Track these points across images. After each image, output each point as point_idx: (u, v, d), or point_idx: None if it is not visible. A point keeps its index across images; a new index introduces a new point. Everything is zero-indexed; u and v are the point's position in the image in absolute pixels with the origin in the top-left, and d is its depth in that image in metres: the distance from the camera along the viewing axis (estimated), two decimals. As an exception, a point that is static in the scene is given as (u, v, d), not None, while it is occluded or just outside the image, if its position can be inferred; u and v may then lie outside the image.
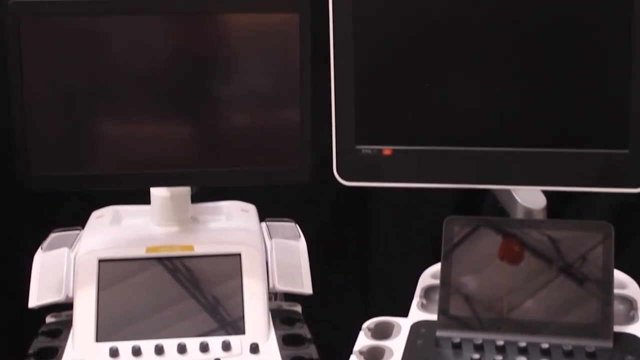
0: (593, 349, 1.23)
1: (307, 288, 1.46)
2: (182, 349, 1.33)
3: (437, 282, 1.35)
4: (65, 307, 1.43)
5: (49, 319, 1.44)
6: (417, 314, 1.38)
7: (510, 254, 1.32)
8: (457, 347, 1.28)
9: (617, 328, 1.28)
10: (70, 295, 1.40)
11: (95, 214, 1.58)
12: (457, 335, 1.29)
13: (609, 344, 1.25)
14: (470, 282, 1.32)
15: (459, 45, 1.33)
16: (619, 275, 1.37)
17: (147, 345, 1.33)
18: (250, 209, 1.61)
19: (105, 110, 1.40)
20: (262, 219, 1.59)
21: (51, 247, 1.49)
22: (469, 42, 1.33)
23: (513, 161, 1.34)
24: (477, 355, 1.24)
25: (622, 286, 1.38)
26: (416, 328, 1.34)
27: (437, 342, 1.30)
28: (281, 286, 1.44)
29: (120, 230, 1.50)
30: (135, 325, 1.36)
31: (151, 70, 1.40)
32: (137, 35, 1.39)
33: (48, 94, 1.38)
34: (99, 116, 1.40)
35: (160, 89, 1.40)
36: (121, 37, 1.39)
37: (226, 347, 1.33)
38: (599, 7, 1.28)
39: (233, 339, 1.35)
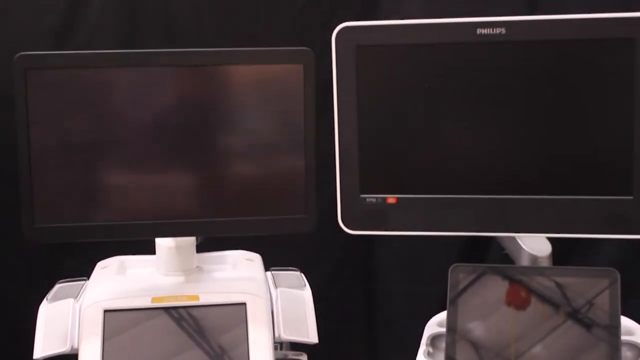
0: (602, 395, 1.23)
1: (312, 337, 1.45)
2: (187, 400, 1.32)
3: (444, 330, 1.35)
4: (70, 358, 1.42)
5: (54, 370, 1.43)
6: (423, 362, 1.37)
7: (517, 300, 1.31)
8: (464, 395, 1.28)
9: (625, 375, 1.28)
10: (75, 346, 1.40)
11: (100, 265, 1.58)
12: (464, 383, 1.29)
13: (617, 391, 1.25)
14: (476, 329, 1.32)
15: (462, 95, 1.35)
16: (625, 321, 1.37)
17: (153, 396, 1.33)
18: (256, 258, 1.61)
19: (111, 161, 1.41)
20: (267, 268, 1.59)
21: (56, 298, 1.48)
22: (471, 93, 1.34)
23: (518, 208, 1.34)
24: (485, 403, 1.24)
25: (629, 333, 1.38)
26: (423, 376, 1.33)
27: (444, 390, 1.29)
28: (287, 335, 1.44)
29: (126, 280, 1.50)
30: (141, 376, 1.36)
31: (156, 121, 1.41)
32: (142, 87, 1.40)
33: (54, 145, 1.39)
34: (104, 167, 1.41)
35: (166, 139, 1.41)
36: (126, 89, 1.40)
37: (232, 397, 1.33)
38: (602, 59, 1.30)
39: (239, 389, 1.34)
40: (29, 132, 1.37)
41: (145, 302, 1.41)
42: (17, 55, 1.36)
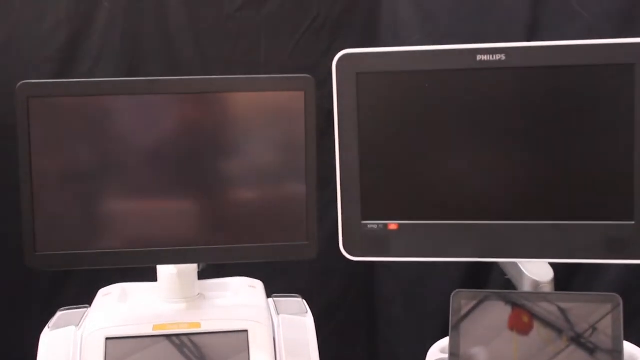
0: (605, 421, 1.23)
1: (314, 364, 1.45)
2: None
3: (446, 356, 1.34)
4: (72, 386, 1.42)
5: (55, 399, 1.42)
6: (426, 388, 1.37)
7: (520, 324, 1.31)
8: (467, 421, 1.27)
9: (629, 400, 1.27)
10: (77, 374, 1.40)
11: (102, 292, 1.58)
12: (467, 410, 1.28)
13: (620, 417, 1.24)
14: (479, 354, 1.31)
15: (462, 121, 1.35)
16: (628, 347, 1.37)
17: None
18: (257, 285, 1.61)
19: (113, 188, 1.41)
20: (269, 294, 1.59)
21: (58, 326, 1.48)
22: (472, 119, 1.35)
23: (519, 234, 1.34)
24: None
25: (632, 358, 1.37)
26: (426, 403, 1.33)
27: (447, 417, 1.29)
28: (289, 362, 1.44)
29: (127, 307, 1.50)
30: (143, 403, 1.35)
31: (158, 148, 1.42)
32: (143, 114, 1.41)
33: (55, 173, 1.39)
34: (106, 194, 1.41)
35: (167, 166, 1.41)
36: (128, 117, 1.41)
37: None
38: (602, 85, 1.30)
39: (241, 416, 1.34)
40: (31, 160, 1.37)
41: (147, 330, 1.41)
42: (20, 83, 1.36)
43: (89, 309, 1.52)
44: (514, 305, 1.32)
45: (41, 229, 1.39)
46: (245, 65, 2.00)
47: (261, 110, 1.42)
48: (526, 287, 1.42)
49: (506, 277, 1.52)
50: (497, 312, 1.33)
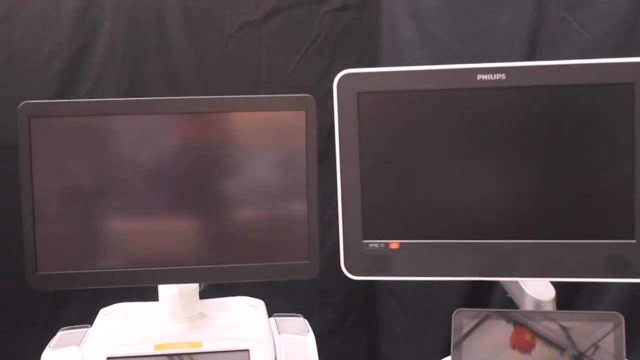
0: None
1: (316, 383, 1.45)
2: None
3: (448, 375, 1.34)
4: (73, 406, 1.41)
5: (57, 419, 1.42)
6: (428, 408, 1.36)
7: (522, 343, 1.31)
8: None
9: (631, 419, 1.27)
10: (78, 394, 1.39)
11: (103, 311, 1.57)
12: None
13: None
14: (481, 374, 1.31)
15: (463, 141, 1.35)
16: (630, 366, 1.37)
17: None
18: (259, 304, 1.60)
19: (114, 208, 1.41)
20: (270, 314, 1.58)
21: (59, 345, 1.48)
22: (472, 138, 1.35)
23: (520, 253, 1.34)
24: None
25: (635, 377, 1.37)
26: (428, 422, 1.33)
27: None
28: (290, 381, 1.43)
29: (129, 327, 1.49)
30: (144, 423, 1.35)
31: (159, 168, 1.42)
32: (145, 134, 1.41)
33: (57, 193, 1.39)
34: (107, 214, 1.41)
35: (168, 186, 1.42)
36: (129, 136, 1.41)
37: None
38: (602, 104, 1.30)
39: None
40: (33, 179, 1.37)
41: (148, 349, 1.41)
42: (21, 104, 1.37)
43: (90, 328, 1.52)
44: (516, 323, 1.32)
45: (42, 249, 1.39)
46: (246, 85, 2.01)
47: (262, 130, 1.43)
48: (528, 306, 1.42)
49: (508, 295, 1.52)
50: (499, 331, 1.33)
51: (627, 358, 1.31)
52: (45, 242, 1.39)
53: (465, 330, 1.34)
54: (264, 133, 1.43)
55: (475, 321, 1.34)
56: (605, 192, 1.32)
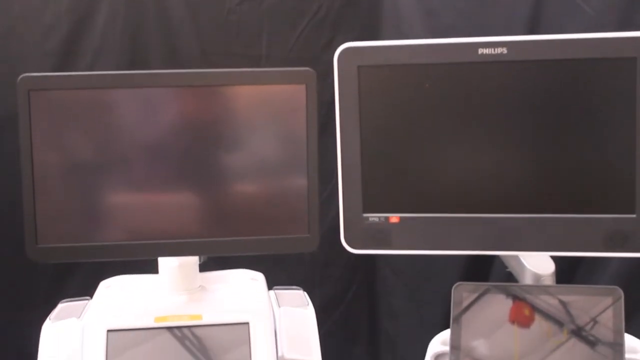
0: (606, 414, 1.23)
1: (316, 356, 1.45)
2: (191, 419, 1.32)
3: (447, 348, 1.35)
4: (73, 378, 1.42)
5: (57, 390, 1.43)
6: (427, 380, 1.37)
7: (521, 317, 1.31)
8: (468, 413, 1.27)
9: (630, 393, 1.27)
10: (78, 365, 1.40)
11: (103, 284, 1.58)
12: (468, 402, 1.28)
13: (621, 409, 1.24)
14: (480, 346, 1.32)
15: (464, 116, 1.35)
16: (629, 340, 1.37)
17: (156, 415, 1.32)
18: (259, 277, 1.61)
19: (114, 180, 1.41)
20: (270, 287, 1.59)
21: (59, 318, 1.48)
22: (473, 112, 1.35)
23: (520, 227, 1.34)
24: (489, 422, 1.24)
25: (633, 351, 1.37)
26: (427, 395, 1.33)
27: (448, 409, 1.29)
28: (290, 354, 1.43)
29: (129, 300, 1.50)
30: (144, 395, 1.35)
31: (159, 141, 1.42)
32: (144, 107, 1.41)
33: (57, 166, 1.39)
34: (107, 187, 1.41)
35: (168, 159, 1.41)
36: (129, 110, 1.41)
37: (235, 416, 1.33)
38: (603, 78, 1.30)
39: (242, 408, 1.34)
40: (32, 152, 1.37)
41: (148, 322, 1.41)
42: (21, 76, 1.36)
43: (90, 301, 1.53)
44: (515, 298, 1.33)
45: (42, 222, 1.39)
46: (246, 58, 2.01)
47: (262, 103, 1.42)
48: (527, 280, 1.42)
49: (507, 269, 1.52)
50: (498, 305, 1.33)
51: (626, 332, 1.31)
52: (46, 214, 1.39)
53: (464, 304, 1.34)
54: (264, 107, 1.43)
55: (475, 295, 1.34)
56: (606, 167, 1.32)
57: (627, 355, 1.30)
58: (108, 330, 1.40)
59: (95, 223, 1.42)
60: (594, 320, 1.29)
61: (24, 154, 1.37)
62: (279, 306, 1.50)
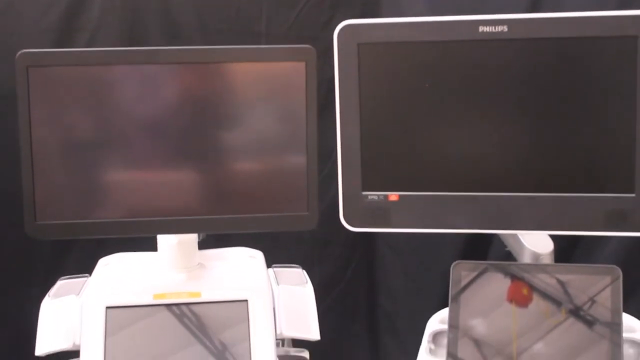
0: (603, 393, 1.23)
1: (314, 334, 1.46)
2: (189, 396, 1.32)
3: (445, 327, 1.35)
4: (72, 354, 1.42)
5: (56, 367, 1.43)
6: (425, 359, 1.37)
7: (519, 297, 1.32)
8: (466, 392, 1.28)
9: (627, 372, 1.28)
10: (77, 342, 1.40)
11: (102, 261, 1.58)
12: (466, 380, 1.29)
13: (619, 388, 1.25)
14: (478, 326, 1.32)
15: (463, 93, 1.35)
16: (627, 319, 1.37)
17: (155, 392, 1.33)
18: (258, 255, 1.61)
19: (113, 158, 1.41)
20: (269, 265, 1.59)
21: (58, 295, 1.48)
22: (473, 90, 1.34)
23: (519, 206, 1.34)
24: (486, 400, 1.24)
25: (631, 330, 1.37)
26: (424, 373, 1.34)
27: (446, 387, 1.29)
28: (289, 332, 1.44)
29: (127, 277, 1.50)
30: (143, 372, 1.36)
31: (158, 118, 1.41)
32: (144, 84, 1.40)
33: (55, 143, 1.39)
34: (106, 164, 1.41)
35: (167, 137, 1.41)
36: (128, 87, 1.40)
37: (234, 393, 1.33)
38: (604, 57, 1.30)
39: (241, 385, 1.34)
40: (31, 129, 1.37)
41: (147, 299, 1.41)
42: (19, 52, 1.36)
43: (89, 278, 1.53)
44: (513, 277, 1.33)
45: (41, 198, 1.39)
46: (246, 36, 2.00)
47: (262, 81, 1.42)
48: (526, 259, 1.42)
49: (506, 249, 1.52)
50: (496, 284, 1.33)
51: (624, 311, 1.31)
52: (45, 191, 1.39)
53: (463, 283, 1.34)
54: (263, 84, 1.42)
55: (474, 274, 1.34)
56: (605, 146, 1.31)
57: (624, 334, 1.30)
58: (107, 307, 1.40)
59: (94, 200, 1.41)
60: (592, 300, 1.29)
61: (22, 131, 1.37)
62: (278, 284, 1.51)
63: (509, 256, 1.49)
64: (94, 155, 1.40)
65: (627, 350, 1.34)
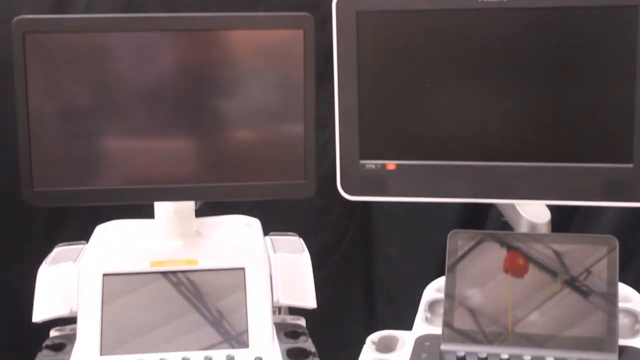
0: (598, 362, 1.24)
1: (311, 302, 1.46)
2: (186, 363, 1.33)
3: (442, 295, 1.35)
4: (69, 321, 1.43)
5: (53, 333, 1.44)
6: (421, 327, 1.38)
7: (515, 267, 1.32)
8: (461, 360, 1.28)
9: (622, 341, 1.28)
10: (74, 309, 1.40)
11: (99, 229, 1.58)
12: (461, 349, 1.29)
13: (613, 358, 1.25)
14: (474, 296, 1.32)
15: (463, 62, 1.34)
16: (623, 289, 1.37)
17: (151, 359, 1.33)
18: (255, 223, 1.61)
19: (110, 125, 1.40)
20: (266, 233, 1.59)
21: (55, 261, 1.49)
22: (472, 59, 1.34)
23: (517, 176, 1.34)
24: (481, 369, 1.24)
25: (627, 300, 1.38)
26: (420, 342, 1.34)
27: (441, 355, 1.29)
28: (285, 300, 1.44)
29: (125, 244, 1.50)
30: (140, 339, 1.36)
31: (155, 86, 1.41)
32: (141, 51, 1.40)
33: (52, 110, 1.39)
34: (104, 131, 1.40)
35: (164, 104, 1.41)
36: (125, 54, 1.40)
37: (230, 360, 1.33)
38: (604, 26, 1.29)
39: (237, 353, 1.34)
40: (28, 96, 1.37)
41: (144, 266, 1.42)
42: (16, 18, 1.35)
43: (87, 245, 1.53)
44: (510, 248, 1.33)
45: (38, 166, 1.39)
46: (244, 3, 1.98)
47: (260, 49, 1.42)
48: (523, 229, 1.43)
49: (503, 219, 1.52)
50: (492, 255, 1.33)
51: (620, 281, 1.31)
52: (41, 158, 1.39)
53: (460, 253, 1.34)
54: (261, 52, 1.42)
55: (470, 244, 1.34)
56: (604, 116, 1.31)
57: (620, 304, 1.30)
58: (104, 275, 1.40)
59: (92, 167, 1.41)
60: (588, 271, 1.29)
61: (19, 98, 1.37)
62: (275, 252, 1.51)
63: (505, 226, 1.49)
64: (91, 123, 1.40)
65: (622, 320, 1.34)
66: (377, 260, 2.06)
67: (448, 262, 1.34)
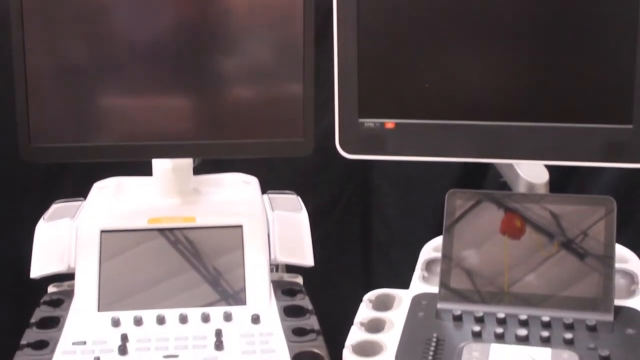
0: (594, 322, 1.24)
1: (308, 260, 1.46)
2: (183, 319, 1.33)
3: (439, 255, 1.35)
4: (67, 277, 1.43)
5: (50, 289, 1.44)
6: (418, 286, 1.38)
7: (512, 229, 1.32)
8: (457, 319, 1.28)
9: (618, 302, 1.28)
10: (72, 265, 1.41)
11: (97, 185, 1.58)
12: (457, 308, 1.29)
13: (609, 318, 1.25)
14: (471, 256, 1.32)
15: (463, 20, 1.33)
16: (620, 249, 1.37)
17: (149, 315, 1.34)
18: (252, 181, 1.61)
19: (108, 82, 1.40)
20: (264, 191, 1.59)
21: (53, 218, 1.49)
22: (473, 17, 1.33)
23: (516, 135, 1.34)
24: (477, 328, 1.24)
25: (624, 260, 1.38)
26: (417, 300, 1.34)
27: (437, 314, 1.30)
28: (282, 258, 1.45)
29: (122, 201, 1.50)
30: (137, 296, 1.37)
31: (154, 43, 1.40)
32: (139, 8, 1.39)
33: (50, 66, 1.38)
34: (101, 88, 1.40)
35: (163, 61, 1.40)
36: (124, 10, 1.39)
37: (227, 317, 1.34)
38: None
39: (234, 310, 1.35)
40: (25, 53, 1.36)
41: (142, 223, 1.42)
42: (13, -27, 1.34)
43: (84, 201, 1.53)
44: (507, 209, 1.33)
45: (36, 122, 1.38)
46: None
47: (259, 7, 1.41)
48: (521, 189, 1.42)
49: (502, 179, 1.52)
50: (490, 216, 1.33)
51: (617, 242, 1.31)
52: (39, 114, 1.38)
53: (457, 213, 1.34)
54: (260, 10, 1.41)
55: (468, 204, 1.34)
56: (604, 77, 1.30)
57: (617, 265, 1.31)
58: (101, 231, 1.41)
59: (89, 124, 1.41)
60: (585, 233, 1.29)
61: (16, 54, 1.36)
62: (273, 210, 1.51)
63: (504, 187, 1.49)
64: (89, 79, 1.39)
65: (619, 281, 1.34)
66: (375, 220, 2.06)
67: (446, 222, 1.34)
